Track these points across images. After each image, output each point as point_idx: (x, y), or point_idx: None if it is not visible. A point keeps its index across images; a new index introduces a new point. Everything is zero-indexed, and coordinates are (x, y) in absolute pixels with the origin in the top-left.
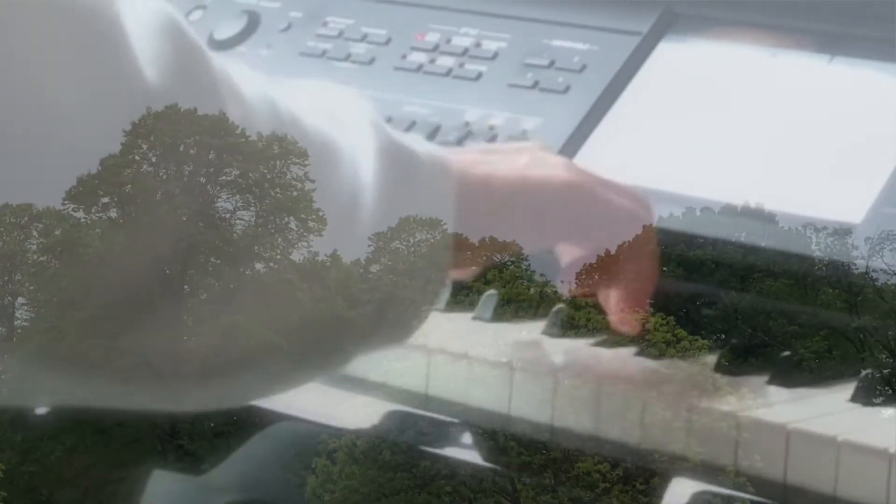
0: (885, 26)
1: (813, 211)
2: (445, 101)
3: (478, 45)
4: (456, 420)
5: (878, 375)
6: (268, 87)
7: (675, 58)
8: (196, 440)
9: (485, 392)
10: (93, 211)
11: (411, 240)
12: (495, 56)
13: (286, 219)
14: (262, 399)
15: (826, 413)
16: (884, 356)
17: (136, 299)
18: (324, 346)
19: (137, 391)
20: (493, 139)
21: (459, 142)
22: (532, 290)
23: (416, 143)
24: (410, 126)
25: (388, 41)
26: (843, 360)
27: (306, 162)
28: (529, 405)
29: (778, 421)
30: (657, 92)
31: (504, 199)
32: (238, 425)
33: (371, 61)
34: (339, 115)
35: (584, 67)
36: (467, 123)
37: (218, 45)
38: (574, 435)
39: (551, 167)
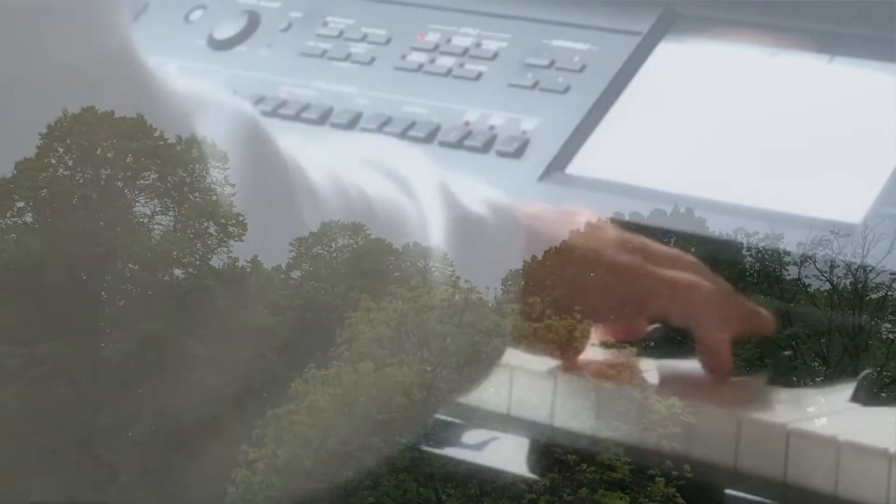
0: (885, 26)
1: (813, 211)
2: (445, 101)
3: (478, 45)
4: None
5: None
6: (332, 165)
7: (675, 58)
8: (114, 450)
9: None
10: (7, 216)
11: (333, 245)
12: (495, 56)
13: (205, 223)
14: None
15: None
16: (816, 364)
17: (53, 306)
18: (244, 353)
19: (54, 400)
20: (493, 139)
21: (459, 142)
22: (457, 297)
23: (485, 204)
24: (410, 126)
25: (388, 41)
26: (775, 369)
27: (226, 165)
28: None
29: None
30: (657, 92)
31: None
32: (157, 434)
33: (371, 61)
34: (409, 182)
35: (584, 67)
36: (467, 123)
37: (218, 45)
38: None
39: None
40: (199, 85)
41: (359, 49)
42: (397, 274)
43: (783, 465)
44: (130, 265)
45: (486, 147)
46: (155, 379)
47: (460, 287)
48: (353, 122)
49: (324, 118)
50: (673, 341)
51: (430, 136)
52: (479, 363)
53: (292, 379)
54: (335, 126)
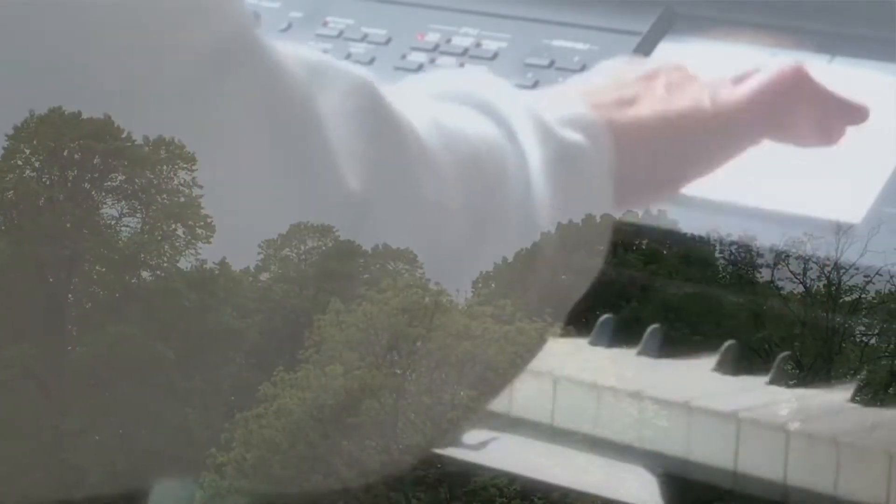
0: (885, 26)
1: (813, 211)
2: None
3: (478, 45)
4: None
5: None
6: (438, 115)
7: (675, 58)
8: (81, 453)
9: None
10: None
11: (302, 247)
12: (495, 56)
13: (173, 226)
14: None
15: None
16: (789, 367)
17: (19, 308)
18: (212, 356)
19: (21, 403)
20: None
21: None
22: (427, 300)
23: (570, 119)
24: None
25: (388, 41)
26: (748, 373)
27: (194, 167)
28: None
29: None
30: None
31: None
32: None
33: (371, 61)
34: (506, 119)
35: (584, 67)
36: None
37: None
38: None
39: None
40: (317, 55)
41: (359, 49)
42: (367, 276)
43: None
44: (97, 267)
45: None
46: (122, 382)
47: (430, 289)
48: None
49: None
50: (672, 341)
51: None
52: (449, 366)
53: (261, 382)
54: None
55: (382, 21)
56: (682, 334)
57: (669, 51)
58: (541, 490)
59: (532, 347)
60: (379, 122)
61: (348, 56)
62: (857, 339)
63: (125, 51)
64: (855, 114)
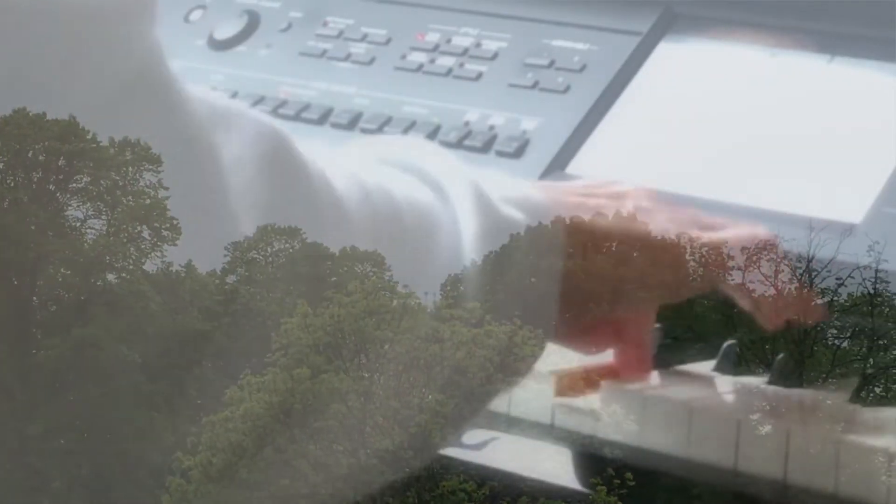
0: (885, 26)
1: (813, 211)
2: (445, 101)
3: (478, 45)
4: None
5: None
6: (361, 172)
7: (675, 58)
8: (46, 457)
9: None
10: None
11: (269, 250)
12: (495, 56)
13: (139, 228)
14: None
15: None
16: (760, 370)
17: None
18: (178, 359)
19: None
20: (492, 139)
21: (459, 142)
22: (395, 303)
23: (520, 205)
24: (410, 126)
25: (388, 41)
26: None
27: (160, 168)
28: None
29: None
30: (657, 92)
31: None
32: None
33: (371, 61)
34: (442, 186)
35: (584, 67)
36: (467, 123)
37: (218, 45)
38: None
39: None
40: (226, 101)
41: (359, 49)
42: (334, 279)
43: None
44: (62, 270)
45: (486, 147)
46: (87, 385)
47: (398, 292)
48: (353, 122)
49: (324, 118)
50: (670, 341)
51: (431, 136)
52: (417, 370)
53: (227, 386)
54: (335, 126)
55: (382, 21)
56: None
57: (669, 51)
58: (510, 495)
59: (501, 350)
60: (283, 169)
61: (348, 56)
62: (829, 343)
63: (41, 66)
64: None
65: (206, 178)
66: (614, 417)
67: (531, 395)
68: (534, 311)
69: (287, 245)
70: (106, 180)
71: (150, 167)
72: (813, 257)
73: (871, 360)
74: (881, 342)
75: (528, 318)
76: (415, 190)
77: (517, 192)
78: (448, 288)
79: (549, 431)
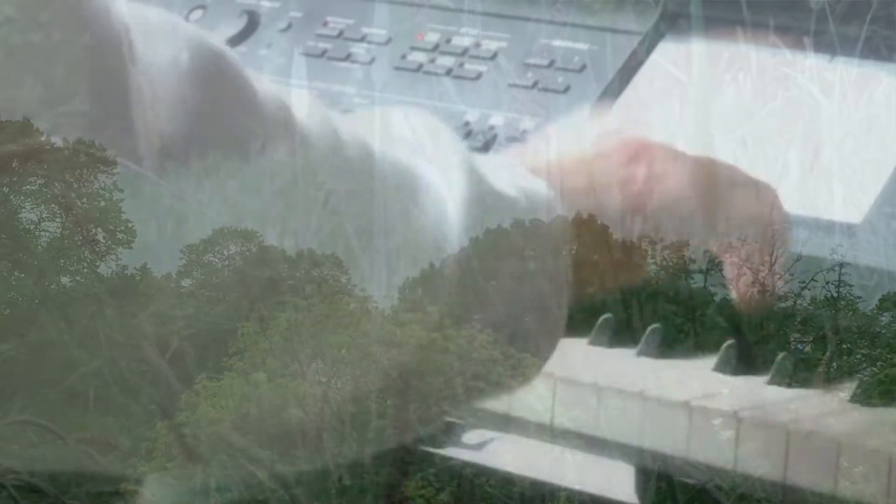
0: (885, 26)
1: (813, 211)
2: (445, 101)
3: (478, 45)
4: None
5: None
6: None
7: (675, 58)
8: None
9: None
10: None
11: (225, 252)
12: (495, 56)
13: (94, 230)
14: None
15: None
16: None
17: None
18: (133, 363)
19: None
20: (492, 139)
21: None
22: (352, 306)
23: (511, 182)
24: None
25: (388, 41)
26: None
27: (114, 170)
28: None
29: None
30: (657, 92)
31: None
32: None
33: (371, 61)
34: (435, 154)
35: (584, 67)
36: (467, 123)
37: None
38: None
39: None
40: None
41: (359, 49)
42: (291, 282)
43: None
44: (16, 273)
45: (485, 147)
46: (42, 390)
47: (356, 295)
48: None
49: None
50: (670, 342)
51: None
52: (374, 374)
53: (183, 391)
54: None
55: (382, 21)
56: None
57: (669, 51)
58: (471, 500)
59: (461, 354)
60: (216, 76)
61: (348, 56)
62: (791, 349)
63: None
64: None
65: (128, 78)
66: (613, 417)
67: (531, 394)
68: (494, 314)
69: (243, 248)
70: (60, 182)
71: (105, 169)
72: (776, 260)
73: (834, 364)
74: (844, 346)
75: (487, 322)
76: (401, 152)
77: (521, 180)
78: (406, 291)
79: (549, 431)
